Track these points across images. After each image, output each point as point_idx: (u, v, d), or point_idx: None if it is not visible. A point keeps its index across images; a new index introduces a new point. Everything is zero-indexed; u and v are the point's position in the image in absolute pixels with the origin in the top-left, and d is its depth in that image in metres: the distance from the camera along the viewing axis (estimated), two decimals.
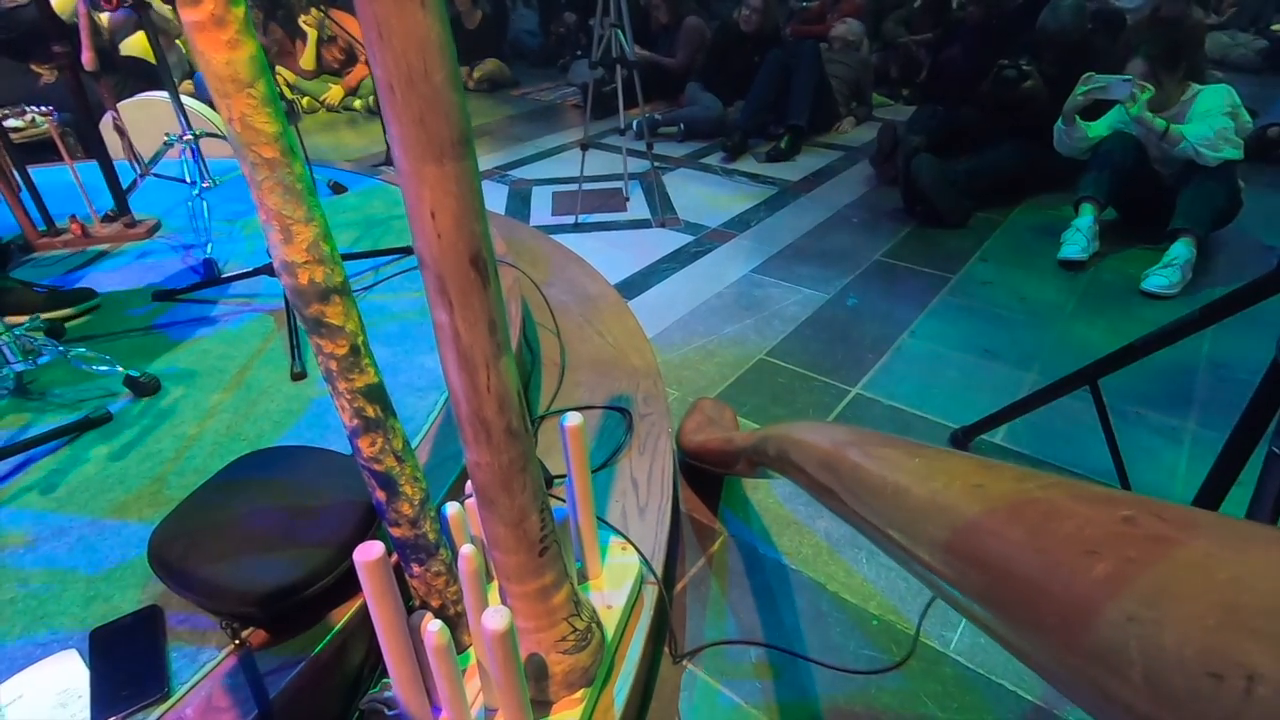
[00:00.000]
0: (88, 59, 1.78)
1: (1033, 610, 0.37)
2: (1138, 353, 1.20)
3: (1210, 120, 2.18)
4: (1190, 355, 1.81)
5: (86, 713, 0.71)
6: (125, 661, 0.75)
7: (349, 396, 0.71)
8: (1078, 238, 2.33)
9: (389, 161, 3.27)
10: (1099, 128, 2.47)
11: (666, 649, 1.10)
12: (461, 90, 0.54)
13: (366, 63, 4.30)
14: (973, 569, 0.42)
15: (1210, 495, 1.01)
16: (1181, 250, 2.17)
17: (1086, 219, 2.37)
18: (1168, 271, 2.14)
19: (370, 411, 0.72)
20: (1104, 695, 0.33)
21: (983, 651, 1.09)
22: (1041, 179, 2.89)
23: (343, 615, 0.83)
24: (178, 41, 3.86)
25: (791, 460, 0.81)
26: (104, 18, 3.26)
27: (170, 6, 4.10)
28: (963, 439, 1.52)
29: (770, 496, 1.40)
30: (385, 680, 0.84)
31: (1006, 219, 2.78)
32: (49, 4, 1.76)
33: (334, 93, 4.82)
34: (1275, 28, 4.84)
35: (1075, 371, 1.29)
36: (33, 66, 3.10)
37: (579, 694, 0.84)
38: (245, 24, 0.57)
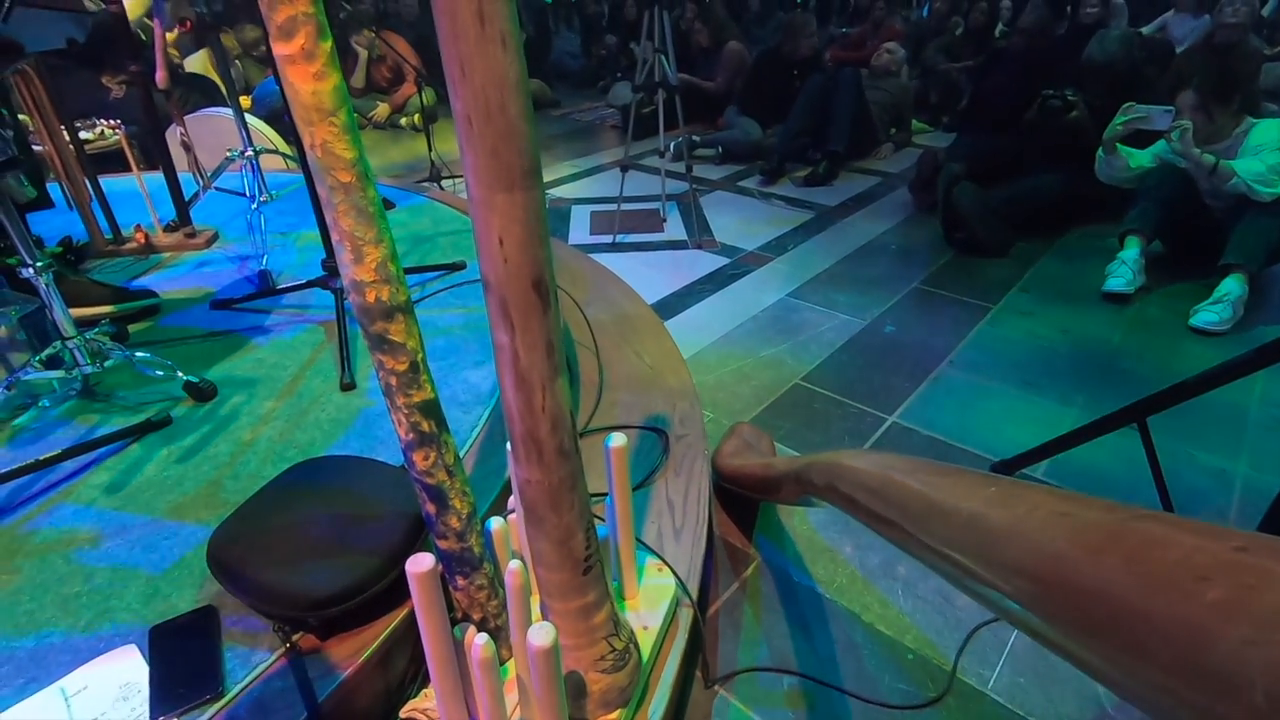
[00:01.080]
0: (161, 77, 1.87)
1: (1134, 636, 0.37)
2: (1190, 391, 1.17)
3: (1264, 155, 2.13)
4: (1242, 395, 1.76)
5: (145, 707, 0.74)
6: (182, 659, 0.78)
7: (406, 411, 0.73)
8: (1123, 270, 2.29)
9: (433, 178, 3.36)
10: (1143, 158, 2.44)
11: (699, 673, 1.10)
12: (534, 124, 0.57)
13: (415, 82, 4.45)
14: (1062, 595, 0.42)
15: None
16: (1233, 286, 2.12)
17: (1132, 252, 2.33)
18: (1218, 308, 2.08)
19: (426, 426, 0.74)
20: (1213, 718, 0.33)
21: (1022, 691, 1.07)
22: (1085, 210, 2.85)
23: (389, 624, 0.85)
24: (237, 60, 4.03)
25: (840, 489, 0.82)
26: (172, 36, 3.42)
27: (230, 32, 4.28)
28: (1003, 472, 1.50)
29: (805, 523, 1.40)
30: (426, 690, 0.85)
31: (1049, 250, 2.74)
32: (125, 20, 1.86)
33: (381, 110, 4.97)
34: None
35: (1124, 408, 1.27)
36: (103, 80, 3.26)
37: (615, 714, 0.84)
38: (331, 57, 0.61)
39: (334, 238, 0.67)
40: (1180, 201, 2.34)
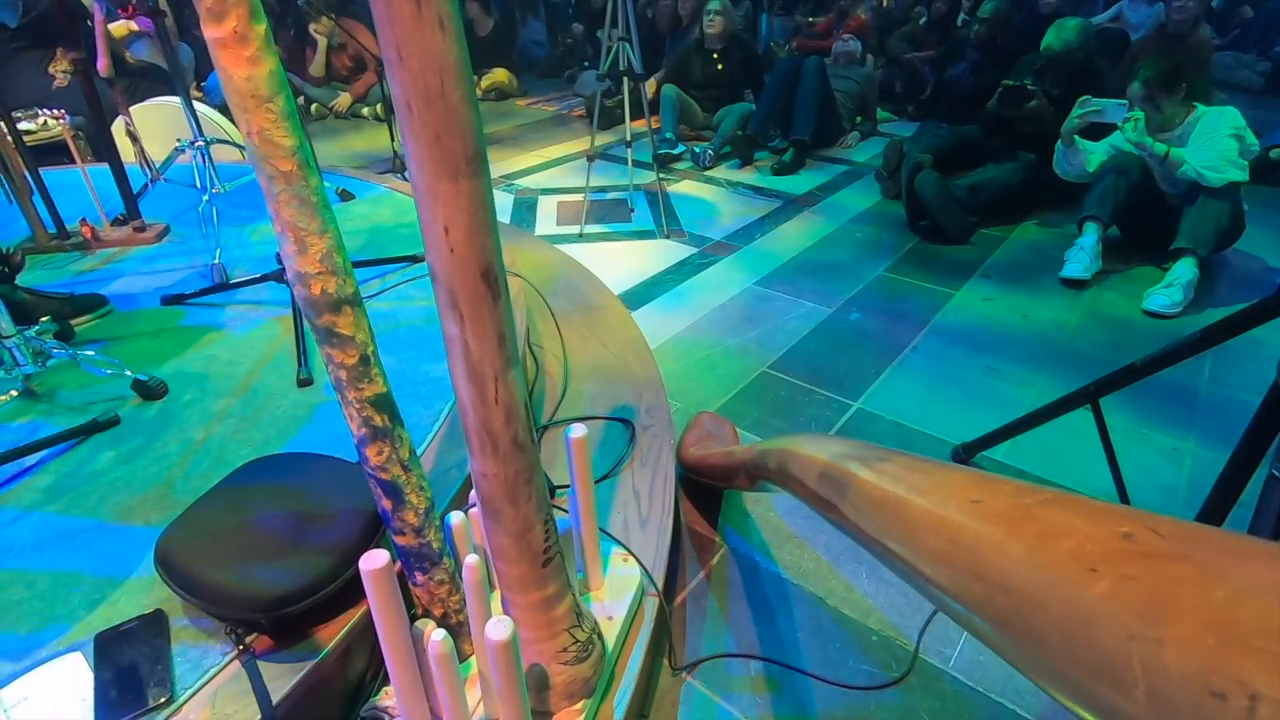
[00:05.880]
0: (103, 65, 1.80)
1: (1034, 626, 0.37)
2: (1139, 373, 1.20)
3: (1213, 142, 2.19)
4: (1192, 375, 1.81)
5: (90, 716, 0.71)
6: (129, 665, 0.76)
7: (358, 405, 0.72)
8: (1081, 256, 2.34)
9: (396, 169, 3.30)
10: (1098, 153, 2.47)
11: (666, 661, 1.10)
12: (477, 109, 0.55)
13: (376, 71, 4.35)
14: (974, 584, 0.42)
15: (1210, 516, 1.02)
16: (1184, 270, 2.18)
17: (1090, 237, 2.38)
18: (1170, 291, 2.14)
19: (378, 420, 0.73)
20: (1110, 711, 0.33)
21: (982, 669, 1.09)
22: (1045, 197, 2.91)
23: (346, 622, 0.84)
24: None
25: (791, 474, 0.82)
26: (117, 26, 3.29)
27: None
28: (964, 455, 1.53)
29: (770, 510, 1.41)
30: (387, 688, 0.84)
31: (1009, 236, 2.79)
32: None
33: (343, 100, 4.86)
34: None
35: (1076, 390, 1.29)
36: (49, 70, 3.13)
37: (579, 705, 0.84)
38: (266, 41, 0.59)
39: (276, 229, 0.65)
40: (1137, 188, 2.39)
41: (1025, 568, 0.39)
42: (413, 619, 0.77)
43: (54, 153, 2.27)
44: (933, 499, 0.49)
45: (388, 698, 0.83)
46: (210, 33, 0.56)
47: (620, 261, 2.58)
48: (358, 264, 1.73)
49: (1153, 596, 0.32)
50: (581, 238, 2.80)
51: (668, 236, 2.80)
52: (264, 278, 1.59)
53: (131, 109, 2.50)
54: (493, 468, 0.69)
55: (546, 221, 3.00)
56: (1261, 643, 0.27)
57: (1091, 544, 0.37)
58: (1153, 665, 0.30)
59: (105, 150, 1.91)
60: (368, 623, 0.85)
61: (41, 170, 1.84)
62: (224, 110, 2.83)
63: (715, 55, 3.97)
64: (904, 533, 0.50)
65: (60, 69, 3.05)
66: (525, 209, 3.16)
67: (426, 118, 0.53)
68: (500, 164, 3.84)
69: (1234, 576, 0.31)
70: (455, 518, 0.86)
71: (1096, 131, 2.48)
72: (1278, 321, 1.01)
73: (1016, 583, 0.39)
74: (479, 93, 5.37)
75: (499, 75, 5.45)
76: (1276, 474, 0.86)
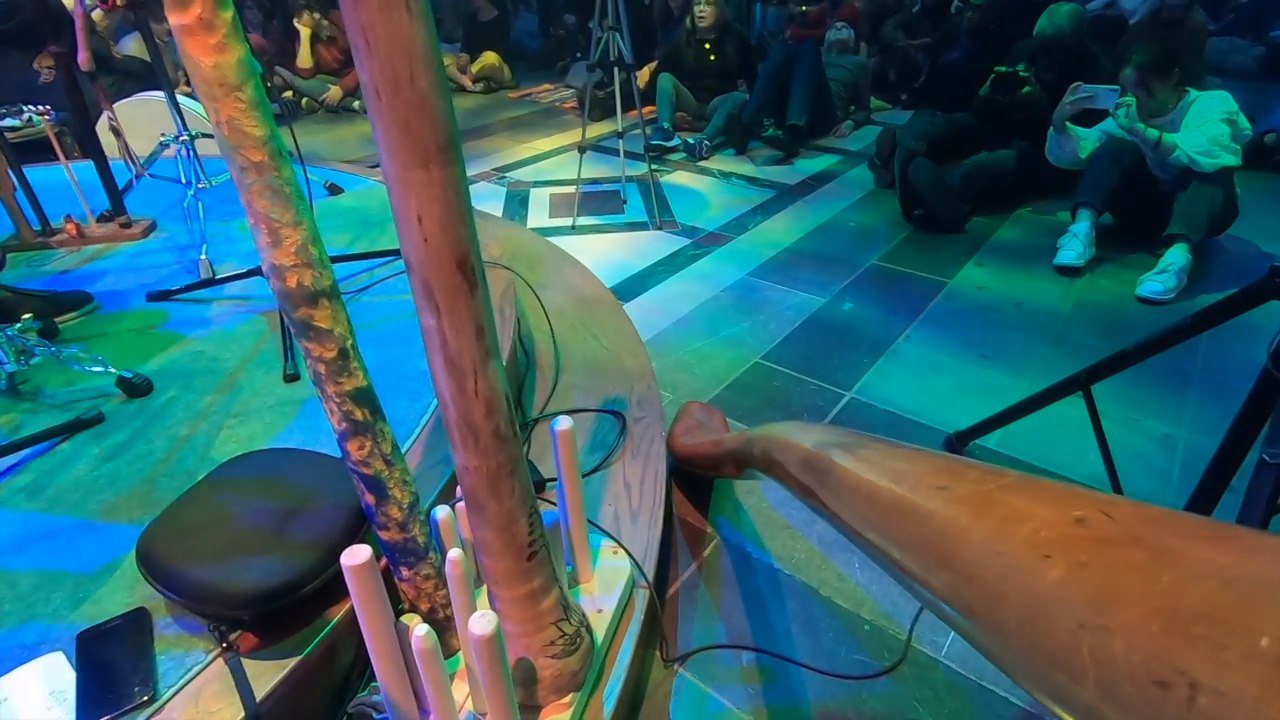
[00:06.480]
0: (84, 59, 1.78)
1: (996, 615, 0.37)
2: (1130, 358, 1.20)
3: (1205, 127, 2.18)
4: (1185, 361, 1.81)
5: (72, 715, 0.71)
6: (112, 664, 0.75)
7: (337, 400, 0.71)
8: (1074, 243, 2.33)
9: None
10: (1090, 140, 2.46)
11: (658, 653, 1.09)
12: (448, 95, 0.54)
13: None
14: (942, 572, 0.42)
15: (1202, 502, 1.01)
16: (1177, 256, 2.17)
17: (1083, 225, 2.37)
18: (1163, 277, 2.14)
19: (359, 415, 0.72)
20: (1065, 699, 0.33)
21: (974, 657, 1.09)
22: (1038, 184, 2.90)
23: (331, 618, 0.83)
24: None
25: (776, 461, 0.82)
26: (99, 16, 3.25)
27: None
28: (957, 444, 1.52)
29: (763, 501, 1.40)
30: (373, 684, 0.84)
31: (1003, 224, 2.78)
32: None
33: (333, 93, 4.83)
34: (1275, 35, 4.84)
35: (1068, 377, 1.29)
36: (34, 65, 3.10)
37: (568, 698, 0.84)
38: (233, 28, 0.57)
39: (249, 220, 0.64)
40: (1130, 174, 2.38)
41: (987, 555, 0.38)
42: (400, 614, 0.76)
43: (39, 150, 2.24)
44: (904, 485, 0.48)
45: (375, 693, 0.83)
46: (175, 19, 0.55)
47: (613, 253, 2.56)
48: (345, 258, 1.71)
49: (1102, 583, 0.32)
50: (574, 230, 2.78)
51: (660, 228, 2.79)
52: (250, 273, 1.58)
53: (117, 104, 2.48)
54: (474, 461, 0.69)
55: (539, 214, 2.98)
56: (1203, 630, 0.27)
57: (1046, 530, 0.36)
58: (1101, 654, 0.30)
59: (90, 146, 1.89)
60: (353, 618, 0.84)
61: (25, 167, 1.82)
62: None
63: (708, 45, 3.95)
64: (878, 520, 0.50)
65: (45, 65, 3.02)
66: (517, 202, 3.14)
67: (395, 104, 0.52)
68: (492, 156, 3.82)
69: (1182, 561, 0.30)
70: (441, 512, 0.85)
71: (1090, 118, 2.46)
72: (1270, 306, 1.00)
73: (979, 571, 0.38)
74: (469, 82, 5.35)
75: (489, 58, 5.42)
76: (1267, 459, 0.86)
